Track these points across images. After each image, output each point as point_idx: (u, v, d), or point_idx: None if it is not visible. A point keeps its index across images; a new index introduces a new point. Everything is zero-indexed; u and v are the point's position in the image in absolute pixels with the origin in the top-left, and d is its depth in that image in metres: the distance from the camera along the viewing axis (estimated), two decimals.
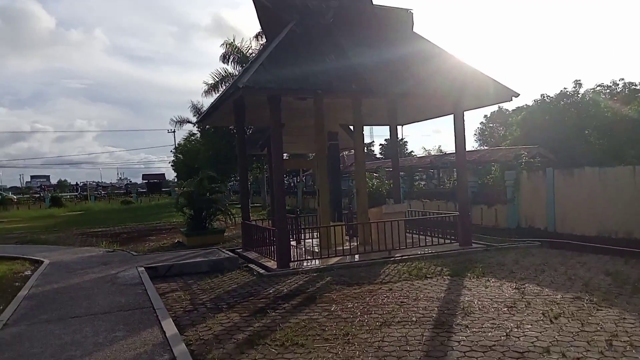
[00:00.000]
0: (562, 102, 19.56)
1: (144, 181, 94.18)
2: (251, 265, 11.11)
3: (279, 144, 10.67)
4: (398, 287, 8.52)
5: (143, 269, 10.26)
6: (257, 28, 30.78)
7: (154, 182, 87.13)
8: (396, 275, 9.51)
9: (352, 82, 10.63)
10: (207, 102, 32.04)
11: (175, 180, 66.29)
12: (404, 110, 14.93)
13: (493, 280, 8.76)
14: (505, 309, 6.91)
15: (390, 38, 12.66)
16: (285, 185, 14.72)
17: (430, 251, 11.88)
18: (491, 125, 35.64)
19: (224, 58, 32.14)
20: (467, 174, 12.93)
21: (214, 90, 32.88)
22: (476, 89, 11.96)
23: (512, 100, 12.56)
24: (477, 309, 6.95)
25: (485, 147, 27.39)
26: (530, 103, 23.51)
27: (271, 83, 9.73)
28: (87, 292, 8.44)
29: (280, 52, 10.70)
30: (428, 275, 9.34)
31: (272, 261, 11.05)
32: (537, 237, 13.72)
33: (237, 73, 32.63)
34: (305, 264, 10.89)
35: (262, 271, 10.39)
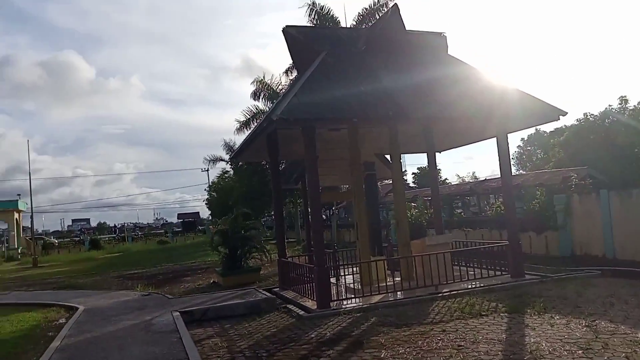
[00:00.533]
0: (608, 121, 18.58)
1: (179, 220, 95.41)
2: (289, 306, 10.52)
3: (315, 177, 10.22)
4: (452, 327, 7.76)
5: (178, 313, 9.82)
6: (286, 64, 31.13)
7: (189, 221, 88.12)
8: (447, 314, 8.74)
9: (388, 109, 10.18)
10: (239, 139, 32.22)
11: (210, 218, 66.76)
12: (441, 136, 14.33)
13: (558, 317, 7.90)
14: (580, 352, 6.09)
15: (424, 62, 12.23)
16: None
17: (480, 285, 11.07)
18: (529, 148, 34.48)
19: (255, 95, 32.40)
20: (514, 200, 12.13)
21: (246, 128, 33.07)
22: (520, 109, 11.31)
23: (559, 119, 11.84)
24: (547, 352, 6.15)
25: (525, 172, 26.29)
26: (569, 123, 22.64)
27: (305, 114, 9.37)
28: (120, 342, 8.02)
29: (313, 82, 10.38)
30: (483, 313, 8.54)
31: (311, 301, 10.43)
32: (596, 266, 12.68)
33: (267, 109, 32.89)
34: (346, 303, 10.23)
35: (301, 312, 9.78)
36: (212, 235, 14.88)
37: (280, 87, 32.38)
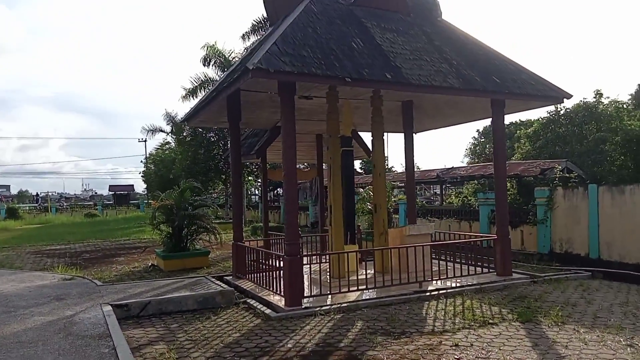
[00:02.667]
0: (581, 115, 17.98)
1: (111, 192, 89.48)
2: (251, 302, 8.68)
3: (292, 147, 8.37)
4: (463, 340, 6.27)
5: (110, 308, 7.71)
6: (243, 28, 28.66)
7: (122, 194, 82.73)
8: (448, 320, 7.27)
9: (386, 71, 8.46)
10: (183, 108, 29.52)
11: (146, 192, 62.78)
12: (422, 115, 12.83)
13: (583, 330, 6.62)
14: None
15: (418, 24, 10.60)
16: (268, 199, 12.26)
17: (467, 283, 9.75)
18: (482, 140, 34.16)
19: (205, 61, 29.67)
20: (506, 190, 10.88)
21: (192, 96, 30.31)
22: (521, 87, 9.96)
23: (563, 102, 10.67)
24: None
25: (482, 163, 25.70)
26: (536, 116, 22.06)
27: (289, 66, 7.46)
28: (26, 352, 5.84)
29: (297, 30, 8.46)
30: (490, 321, 7.14)
31: (278, 296, 8.65)
32: (579, 265, 11.81)
33: (218, 78, 30.34)
34: (317, 299, 8.52)
35: (267, 311, 7.98)
36: (154, 211, 12.64)
37: (233, 55, 29.92)
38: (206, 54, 29.85)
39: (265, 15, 26.68)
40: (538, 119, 20.40)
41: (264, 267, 9.79)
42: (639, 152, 17.17)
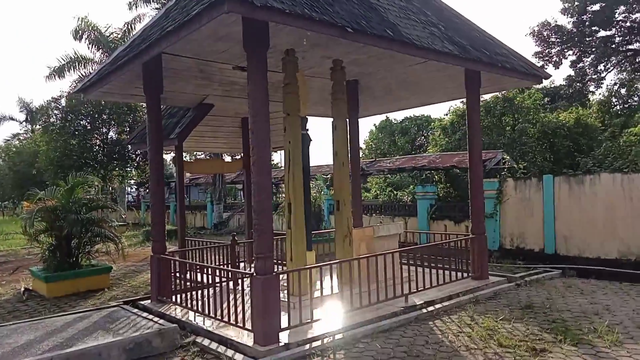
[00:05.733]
0: (500, 106, 17.89)
1: None
2: (204, 342, 6.15)
3: (265, 124, 6.02)
4: None
5: None
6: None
7: None
8: (489, 350, 5.58)
9: (385, 27, 6.48)
10: (45, 92, 24.52)
11: None
12: (367, 97, 11.04)
13: None
14: None
15: None
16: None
17: (450, 291, 8.22)
18: (381, 135, 33.91)
19: (76, 34, 25.04)
20: (482, 181, 9.57)
21: (59, 76, 25.58)
22: (508, 61, 8.71)
23: (542, 82, 9.67)
24: None
25: (375, 158, 24.98)
26: (451, 108, 21.87)
27: (277, 2, 5.11)
28: None
29: None
30: (537, 346, 5.61)
31: (241, 330, 6.23)
32: (535, 261, 11.13)
33: (94, 57, 25.84)
34: (294, 331, 6.27)
35: (237, 357, 5.59)
36: (32, 216, 9.16)
37: (111, 31, 25.69)
38: (77, 26, 25.28)
39: None
40: (452, 111, 20.04)
41: (208, 286, 7.24)
42: (554, 144, 17.48)
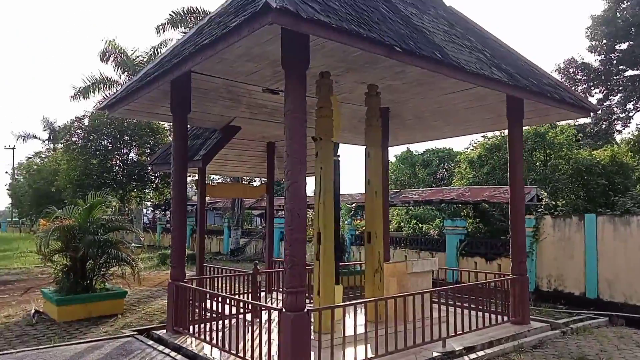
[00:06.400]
0: (531, 141, 17.34)
1: None
2: None
3: (302, 145, 5.56)
4: None
5: None
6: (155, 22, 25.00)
7: None
8: None
9: (433, 50, 6.06)
10: (67, 112, 24.66)
11: (10, 208, 53.75)
12: (397, 126, 10.57)
13: None
14: None
15: (432, 6, 8.46)
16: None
17: (497, 337, 7.53)
18: (401, 166, 33.49)
19: (103, 56, 25.29)
20: (524, 217, 8.95)
21: (83, 96, 25.75)
22: (556, 92, 8.20)
23: (589, 116, 9.13)
24: None
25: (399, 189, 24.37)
26: (475, 141, 21.31)
27: (324, 16, 4.72)
28: None
29: None
30: None
31: None
32: (575, 307, 10.37)
33: (119, 79, 26.04)
34: None
35: None
36: (48, 235, 8.78)
37: (137, 53, 25.92)
38: (105, 48, 25.58)
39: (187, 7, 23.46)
40: (481, 144, 19.50)
41: (229, 317, 6.68)
42: (588, 182, 16.72)
